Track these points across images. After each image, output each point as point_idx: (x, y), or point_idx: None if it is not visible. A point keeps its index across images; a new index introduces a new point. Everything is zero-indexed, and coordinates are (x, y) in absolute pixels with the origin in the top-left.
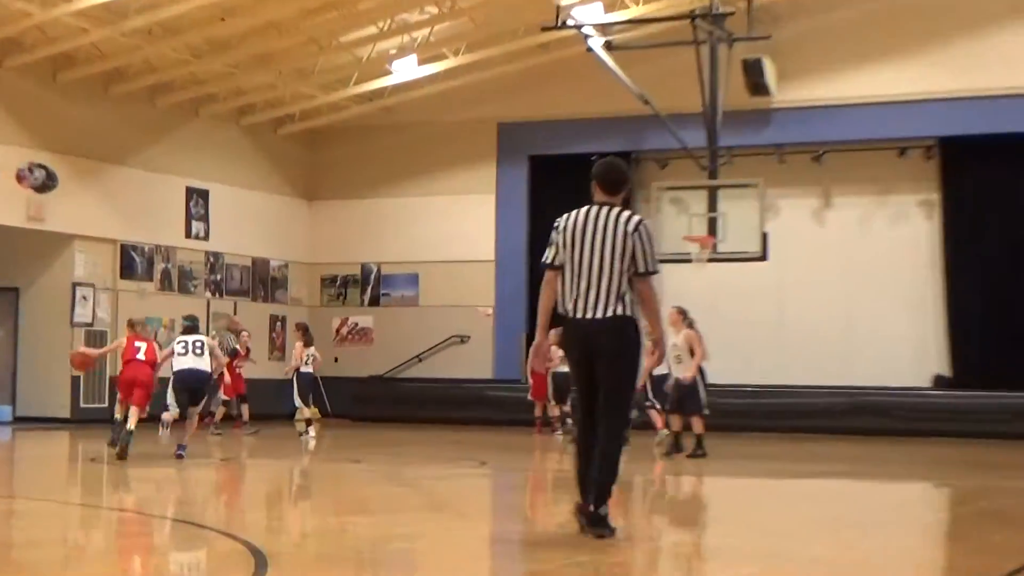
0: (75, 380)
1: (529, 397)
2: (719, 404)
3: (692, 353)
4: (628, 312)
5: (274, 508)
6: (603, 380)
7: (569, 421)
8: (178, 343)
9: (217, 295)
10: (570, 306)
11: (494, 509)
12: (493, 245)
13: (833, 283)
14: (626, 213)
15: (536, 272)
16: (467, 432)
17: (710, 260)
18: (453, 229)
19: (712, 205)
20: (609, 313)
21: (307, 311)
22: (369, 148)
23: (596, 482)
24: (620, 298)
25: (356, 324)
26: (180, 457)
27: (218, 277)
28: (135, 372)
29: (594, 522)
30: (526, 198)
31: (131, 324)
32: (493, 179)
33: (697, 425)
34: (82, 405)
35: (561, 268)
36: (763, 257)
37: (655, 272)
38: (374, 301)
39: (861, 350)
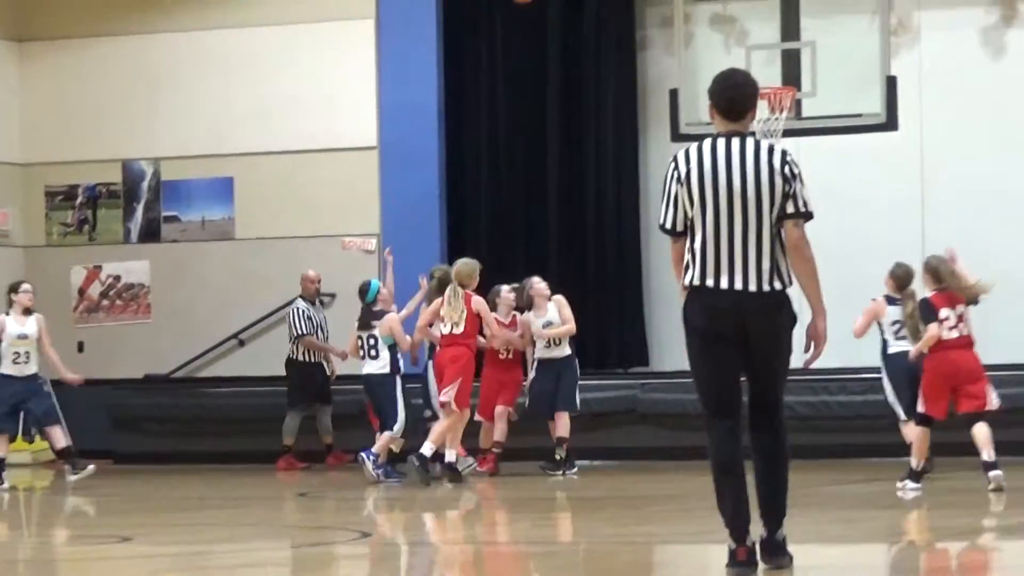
0: None
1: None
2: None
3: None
4: (788, 285)
5: None
6: (762, 371)
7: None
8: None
9: None
10: (710, 280)
11: None
12: (375, 118)
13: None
14: (765, 143)
15: (462, 170)
16: (338, 473)
17: (787, 133)
18: (297, 90)
19: (790, 28)
20: (766, 287)
21: (22, 255)
22: None
23: (773, 497)
24: (777, 265)
25: (116, 279)
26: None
27: None
28: (439, 356)
29: (774, 551)
30: (436, 24)
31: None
32: None
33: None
34: None
35: (685, 232)
36: (890, 124)
37: (811, 215)
38: (150, 233)
39: None
